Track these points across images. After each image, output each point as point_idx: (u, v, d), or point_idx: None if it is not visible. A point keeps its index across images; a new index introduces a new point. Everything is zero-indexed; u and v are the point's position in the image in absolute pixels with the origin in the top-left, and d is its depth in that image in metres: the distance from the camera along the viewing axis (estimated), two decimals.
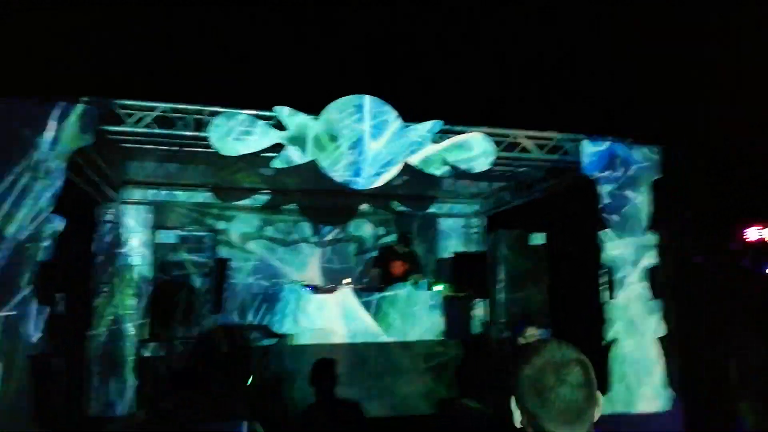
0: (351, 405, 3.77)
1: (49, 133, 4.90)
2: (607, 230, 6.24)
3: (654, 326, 6.08)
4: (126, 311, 7.56)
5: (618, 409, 5.71)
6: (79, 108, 5.06)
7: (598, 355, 5.99)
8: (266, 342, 6.71)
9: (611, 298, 6.14)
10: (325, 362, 3.69)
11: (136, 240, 8.03)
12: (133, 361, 5.98)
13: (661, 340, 6.03)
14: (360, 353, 6.02)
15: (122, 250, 7.96)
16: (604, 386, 5.77)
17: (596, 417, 1.36)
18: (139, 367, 5.63)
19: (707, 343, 5.83)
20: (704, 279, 6.42)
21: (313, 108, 5.72)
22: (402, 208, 9.17)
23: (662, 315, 6.13)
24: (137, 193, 8.24)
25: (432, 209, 9.39)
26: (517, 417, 1.41)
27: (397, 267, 7.40)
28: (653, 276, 6.28)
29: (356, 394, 5.29)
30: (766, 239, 6.05)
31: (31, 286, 4.60)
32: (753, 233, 6.53)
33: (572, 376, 1.35)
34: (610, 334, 6.02)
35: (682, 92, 7.08)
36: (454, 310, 6.95)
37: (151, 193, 8.25)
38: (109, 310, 7.69)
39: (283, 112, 5.59)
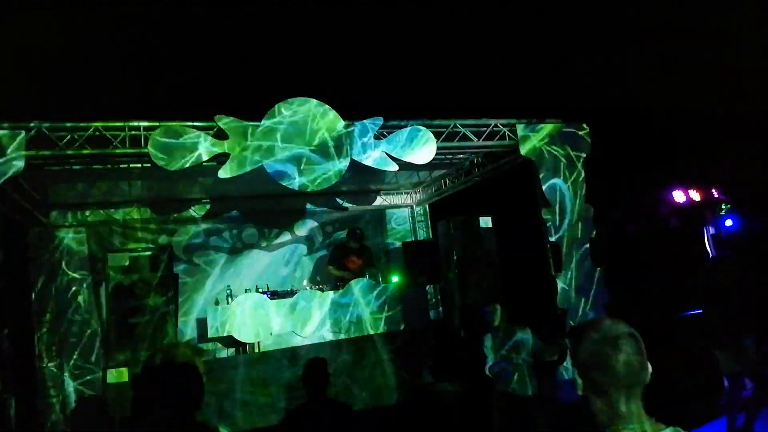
0: (342, 404, 3.83)
1: None
2: (548, 208, 6.56)
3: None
4: (75, 339, 7.25)
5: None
6: (5, 134, 4.78)
7: (552, 325, 6.34)
8: (228, 353, 6.63)
9: (558, 271, 6.48)
10: (318, 362, 3.73)
11: (76, 264, 7.69)
12: (101, 389, 5.73)
13: (606, 306, 6.44)
14: (329, 352, 6.05)
15: (61, 277, 7.61)
16: (563, 354, 6.10)
17: (648, 380, 1.58)
18: (104, 393, 5.41)
19: (649, 305, 6.26)
20: (639, 244, 6.87)
21: (254, 114, 5.66)
22: (347, 205, 9.23)
23: (604, 282, 6.53)
24: (69, 216, 7.87)
25: (376, 202, 9.51)
26: (580, 383, 1.62)
27: (352, 262, 7.46)
28: (593, 246, 6.68)
29: (334, 392, 5.36)
30: (694, 198, 6.53)
31: None
32: (678, 196, 7.04)
33: (627, 346, 1.56)
34: (561, 305, 6.37)
35: (604, 71, 7.50)
36: (411, 298, 7.10)
37: (83, 214, 7.91)
38: (51, 339, 7.35)
39: (225, 120, 5.50)
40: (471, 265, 6.93)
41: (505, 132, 6.73)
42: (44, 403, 6.86)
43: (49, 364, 7.19)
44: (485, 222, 7.15)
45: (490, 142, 6.74)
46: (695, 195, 7.21)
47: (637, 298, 6.65)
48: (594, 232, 6.72)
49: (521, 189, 7.06)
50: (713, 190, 7.40)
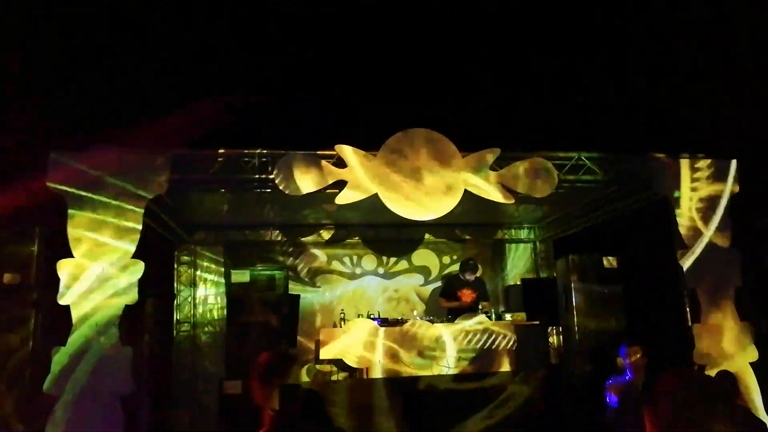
0: None
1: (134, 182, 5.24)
2: (686, 250, 5.93)
3: (745, 350, 5.67)
4: (204, 349, 7.92)
5: None
6: (154, 158, 5.40)
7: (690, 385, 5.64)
8: (340, 376, 6.77)
9: (695, 321, 5.79)
10: (417, 396, 3.67)
11: (211, 280, 8.44)
12: (217, 399, 6.16)
13: (754, 365, 5.61)
14: (433, 386, 5.94)
15: (199, 290, 8.38)
16: None
17: None
18: (221, 405, 5.79)
19: None
20: None
21: (372, 144, 5.84)
22: (466, 236, 9.13)
23: (752, 338, 5.71)
24: (210, 235, 8.66)
25: (497, 236, 9.29)
26: None
27: (466, 296, 7.31)
28: (739, 296, 5.88)
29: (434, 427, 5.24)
30: None
31: (116, 329, 4.88)
32: None
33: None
34: (699, 360, 5.66)
35: (749, 104, 6.72)
36: (527, 339, 6.75)
37: (222, 234, 8.66)
38: (188, 349, 8.07)
39: (344, 150, 5.74)
40: (591, 307, 6.44)
41: (636, 165, 6.24)
42: (176, 412, 7.53)
43: (183, 373, 7.91)
44: (609, 261, 6.63)
45: (617, 177, 6.29)
46: None
47: None
48: (740, 282, 5.93)
49: (654, 228, 6.45)
50: None
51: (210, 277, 8.51)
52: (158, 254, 7.58)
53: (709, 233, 6.00)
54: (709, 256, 5.93)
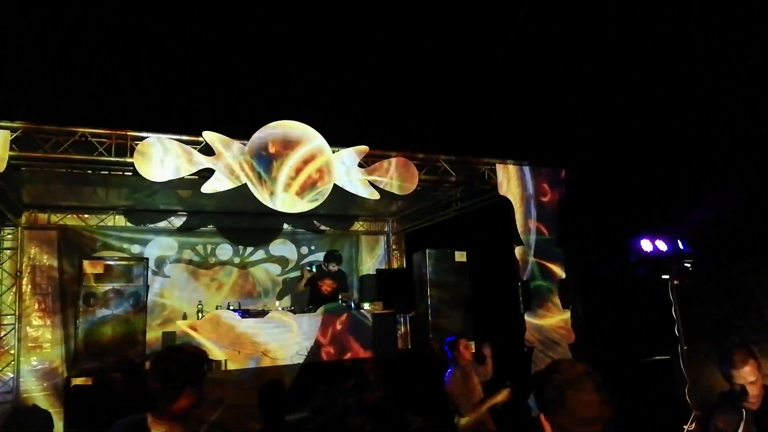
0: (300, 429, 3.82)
1: None
2: (522, 246, 6.74)
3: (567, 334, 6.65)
4: (34, 344, 7.10)
5: None
6: None
7: (520, 362, 6.46)
8: None
9: (526, 309, 6.64)
10: (273, 385, 3.73)
11: (43, 267, 7.56)
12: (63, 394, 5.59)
13: (571, 346, 6.59)
14: (296, 374, 6.03)
15: (27, 279, 7.45)
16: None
17: (608, 418, 1.64)
18: (67, 400, 5.28)
19: (611, 348, 6.44)
20: (606, 289, 7.08)
21: (241, 133, 5.72)
22: (325, 228, 9.29)
23: (571, 323, 6.70)
24: (42, 217, 7.75)
25: (353, 227, 9.60)
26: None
27: (327, 286, 7.47)
28: (562, 287, 6.86)
29: (297, 415, 5.34)
30: (660, 248, 6.77)
31: None
32: (646, 245, 7.28)
33: (587, 385, 1.65)
34: (529, 344, 6.50)
35: (579, 117, 7.79)
36: (382, 327, 7.13)
37: (57, 217, 7.79)
38: (11, 343, 7.16)
39: (213, 137, 5.55)
40: (444, 297, 7.04)
41: (485, 170, 6.92)
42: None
43: (6, 368, 7.03)
44: (460, 256, 7.28)
45: (470, 180, 6.92)
46: (662, 245, 7.47)
47: (603, 341, 6.82)
48: (563, 275, 6.91)
49: (497, 226, 7.22)
50: (679, 242, 7.67)
51: (41, 264, 7.60)
52: None
53: (538, 231, 6.90)
54: (539, 251, 6.83)
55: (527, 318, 6.64)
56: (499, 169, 6.89)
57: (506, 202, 6.92)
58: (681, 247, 7.72)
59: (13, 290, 7.36)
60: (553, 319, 6.69)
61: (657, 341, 7.19)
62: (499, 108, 8.09)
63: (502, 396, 4.60)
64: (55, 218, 7.80)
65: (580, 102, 7.69)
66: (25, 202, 7.45)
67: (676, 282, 7.70)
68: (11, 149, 4.88)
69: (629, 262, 7.42)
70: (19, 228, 7.52)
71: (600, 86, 7.58)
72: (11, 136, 4.87)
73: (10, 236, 7.50)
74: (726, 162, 7.61)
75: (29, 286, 7.47)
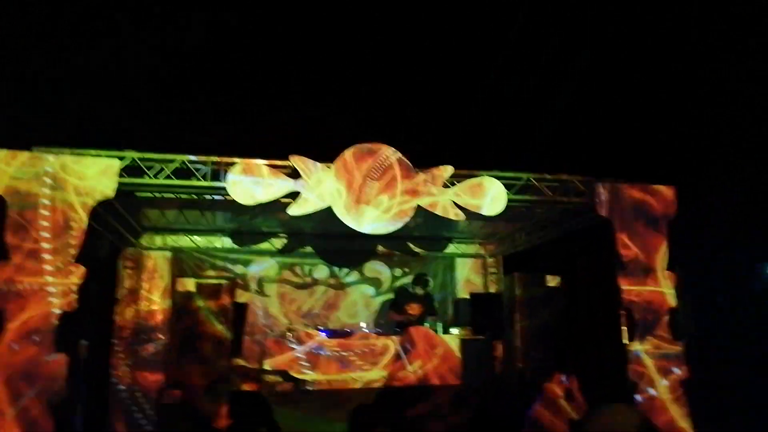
0: None
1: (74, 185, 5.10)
2: (625, 271, 6.19)
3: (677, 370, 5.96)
4: (145, 358, 7.69)
5: None
6: (103, 161, 5.28)
7: (621, 398, 5.87)
8: (285, 387, 6.71)
9: (630, 340, 6.04)
10: (362, 409, 3.69)
11: (157, 286, 8.22)
12: (154, 408, 6.02)
13: (683, 383, 5.90)
14: (379, 398, 5.97)
15: (143, 297, 8.14)
16: None
17: None
18: (159, 414, 5.66)
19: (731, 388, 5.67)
20: (727, 320, 6.29)
21: (327, 157, 5.87)
22: (418, 250, 9.22)
23: (684, 358, 6.00)
24: (158, 240, 8.45)
25: (447, 249, 9.42)
26: None
27: (414, 309, 7.38)
28: (673, 317, 6.18)
29: None
30: None
31: (52, 335, 4.71)
32: None
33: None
34: (633, 377, 5.90)
35: (692, 132, 7.11)
36: (472, 353, 6.87)
37: (170, 239, 8.47)
38: (128, 357, 7.82)
39: (298, 161, 5.74)
40: (533, 323, 6.64)
41: (582, 189, 6.49)
42: (113, 419, 7.28)
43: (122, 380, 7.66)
44: (552, 280, 6.85)
45: (564, 198, 6.52)
46: None
47: (724, 376, 6.04)
48: (676, 303, 6.23)
49: (597, 248, 6.72)
50: None
51: (155, 283, 8.28)
52: (102, 259, 7.36)
53: (646, 256, 6.29)
54: (645, 277, 6.22)
55: (632, 350, 6.04)
56: (599, 187, 6.42)
57: (608, 224, 6.42)
58: None
59: (132, 307, 8.07)
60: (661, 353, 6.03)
61: None
62: (597, 123, 7.61)
63: None
64: (169, 240, 8.48)
65: (688, 117, 7.03)
66: (144, 225, 8.18)
67: None
68: (121, 176, 5.37)
69: (756, 290, 6.58)
70: (138, 249, 8.26)
71: (714, 101, 6.90)
72: (121, 164, 5.36)
73: (130, 257, 8.25)
74: None
75: (146, 303, 8.17)
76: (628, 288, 6.18)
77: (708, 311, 6.61)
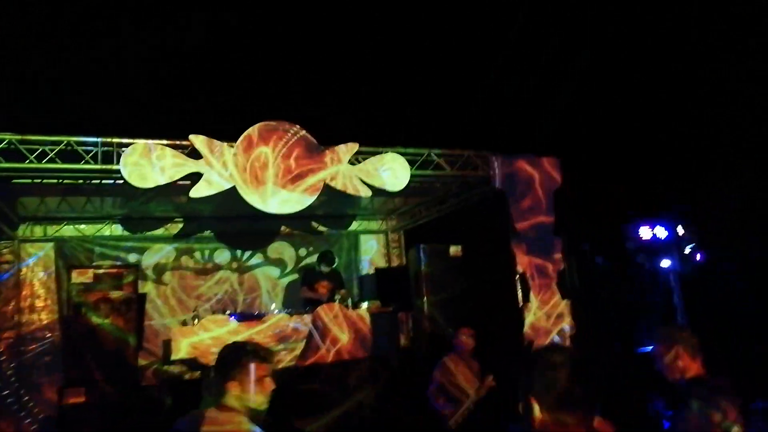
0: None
1: None
2: (517, 238, 6.67)
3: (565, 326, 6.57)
4: (35, 357, 7.10)
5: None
6: None
7: (519, 356, 6.37)
8: (193, 375, 6.52)
9: (525, 301, 6.55)
10: (278, 390, 3.68)
11: (41, 281, 7.56)
12: (56, 409, 5.59)
13: (572, 337, 6.51)
14: (300, 376, 6.01)
15: (25, 292, 7.46)
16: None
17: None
18: (61, 416, 5.27)
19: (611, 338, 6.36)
20: (605, 278, 7.00)
21: (228, 135, 5.69)
22: (322, 228, 9.24)
23: (572, 315, 6.62)
24: (38, 230, 7.75)
25: (351, 227, 9.55)
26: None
27: (322, 287, 7.42)
28: (561, 278, 6.77)
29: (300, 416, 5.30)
30: (659, 236, 6.71)
31: None
32: (645, 232, 7.20)
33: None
34: (528, 336, 6.42)
35: (574, 106, 7.72)
36: (381, 325, 7.07)
37: (52, 229, 7.80)
38: (12, 359, 7.17)
39: (199, 141, 5.52)
40: (440, 292, 6.98)
41: (478, 162, 6.85)
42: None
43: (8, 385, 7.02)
44: (454, 250, 7.22)
45: (463, 172, 6.85)
46: (661, 232, 7.39)
47: (601, 331, 6.74)
48: (563, 265, 6.83)
49: (492, 218, 7.16)
50: (679, 228, 7.58)
51: (38, 277, 7.61)
52: None
53: (536, 224, 6.82)
54: (538, 244, 6.75)
55: (526, 311, 6.56)
56: (493, 161, 6.82)
57: (502, 195, 6.85)
58: (682, 233, 7.64)
59: (12, 304, 7.37)
60: (552, 312, 6.61)
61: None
62: (490, 100, 8.03)
63: (487, 383, 4.65)
64: (51, 230, 7.80)
65: (574, 93, 7.63)
66: (21, 215, 7.45)
67: (677, 269, 7.64)
68: None
69: (628, 249, 7.37)
70: (16, 241, 7.53)
71: (595, 77, 7.52)
72: None
73: (6, 250, 7.50)
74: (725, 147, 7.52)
75: (29, 300, 7.49)
76: (521, 254, 6.68)
77: (589, 271, 7.30)
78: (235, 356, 2.35)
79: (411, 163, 6.43)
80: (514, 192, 6.81)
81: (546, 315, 6.52)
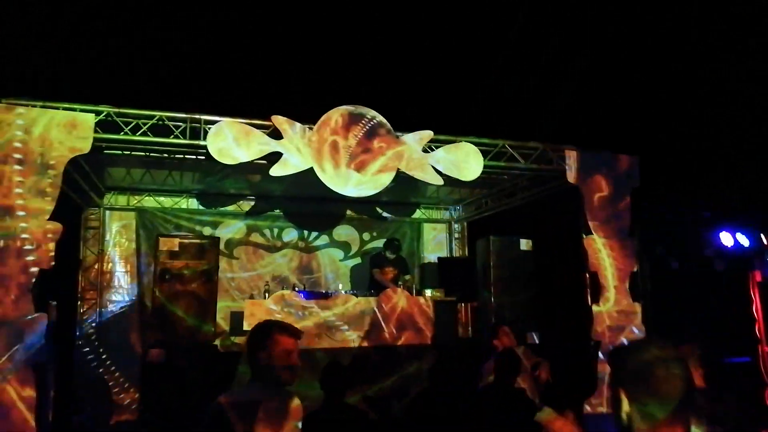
0: (359, 410, 3.86)
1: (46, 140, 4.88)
2: (591, 236, 6.50)
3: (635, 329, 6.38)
4: (114, 318, 7.56)
5: (606, 408, 5.97)
6: (78, 116, 5.05)
7: (586, 356, 6.26)
8: None
9: (594, 302, 6.40)
10: (337, 367, 3.78)
11: (121, 246, 8.01)
12: (138, 367, 5.95)
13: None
14: (358, 357, 6.13)
15: (108, 257, 7.93)
16: (592, 385, 6.02)
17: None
18: (144, 373, 5.60)
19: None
20: (680, 283, 6.74)
21: (308, 117, 5.82)
22: (386, 215, 9.33)
23: (641, 318, 6.42)
24: (121, 199, 8.19)
25: (415, 215, 9.59)
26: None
27: (388, 273, 7.52)
28: (633, 280, 6.57)
29: (356, 398, 5.43)
30: (741, 243, 6.40)
31: (30, 294, 4.57)
32: (726, 239, 6.88)
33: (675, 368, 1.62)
34: (595, 337, 6.27)
35: (658, 105, 7.43)
36: (442, 314, 7.10)
37: (134, 200, 8.22)
38: (93, 318, 7.65)
39: (280, 121, 5.67)
40: (507, 286, 6.91)
41: (552, 156, 6.72)
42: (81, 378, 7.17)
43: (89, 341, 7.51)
44: (525, 244, 7.12)
45: (537, 166, 6.73)
46: (743, 240, 7.04)
47: (672, 338, 6.48)
48: (636, 267, 6.62)
49: (565, 214, 7.01)
50: (762, 236, 7.21)
51: (120, 243, 8.07)
52: (65, 217, 7.08)
53: (611, 223, 6.63)
54: (611, 244, 6.56)
55: (595, 310, 6.40)
56: (569, 155, 6.67)
57: (575, 190, 6.70)
58: (765, 241, 7.25)
59: (95, 267, 7.85)
60: (622, 314, 6.43)
61: (736, 341, 6.79)
62: (569, 94, 7.84)
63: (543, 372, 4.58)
64: (133, 200, 8.24)
65: (655, 90, 7.34)
66: (107, 185, 7.90)
67: (758, 278, 7.26)
68: (95, 132, 5.16)
69: (706, 256, 7.06)
70: (101, 209, 7.99)
71: (673, 76, 7.21)
72: (95, 119, 5.15)
73: (93, 216, 7.98)
74: None
75: (110, 264, 7.97)
76: (593, 253, 6.52)
77: (663, 276, 7.04)
78: (266, 328, 2.54)
79: (483, 154, 6.38)
80: (589, 188, 6.63)
81: (616, 316, 6.35)
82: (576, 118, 7.76)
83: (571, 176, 6.63)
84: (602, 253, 6.55)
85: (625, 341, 6.37)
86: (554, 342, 5.57)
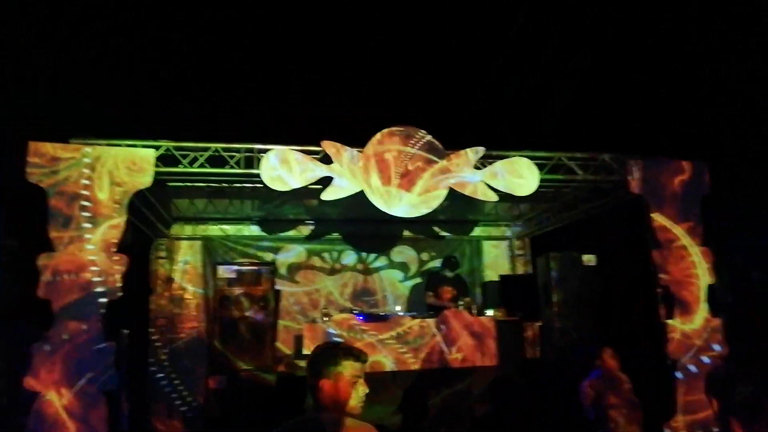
0: None
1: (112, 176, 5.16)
2: (660, 249, 6.13)
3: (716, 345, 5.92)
4: (181, 345, 7.82)
5: None
6: (139, 151, 5.32)
7: (662, 375, 5.87)
8: None
9: (670, 317, 5.99)
10: (418, 392, 3.73)
11: (189, 275, 8.33)
12: (202, 394, 6.13)
13: (724, 360, 5.86)
14: (420, 380, 6.03)
15: (176, 285, 8.25)
16: (671, 407, 5.63)
17: None
18: (208, 400, 5.76)
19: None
20: (763, 294, 6.22)
21: (358, 141, 5.86)
22: (444, 233, 9.23)
23: (724, 334, 5.95)
24: (187, 229, 8.54)
25: (473, 233, 9.42)
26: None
27: (446, 292, 7.39)
28: (711, 293, 6.12)
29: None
30: None
31: (100, 324, 4.80)
32: None
33: None
34: (672, 355, 5.87)
35: (726, 107, 7.00)
36: (506, 334, 6.88)
37: (200, 229, 8.55)
38: (164, 345, 7.95)
39: (330, 146, 5.74)
40: (572, 303, 6.62)
41: (613, 166, 6.42)
42: (153, 403, 7.44)
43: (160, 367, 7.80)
44: (588, 259, 6.81)
45: (597, 177, 6.46)
46: None
47: (761, 354, 5.99)
48: (713, 279, 6.17)
49: (630, 226, 6.66)
50: None
51: (187, 272, 8.38)
52: (135, 249, 7.45)
53: (681, 233, 6.22)
54: (681, 254, 6.15)
55: (671, 326, 5.98)
56: (631, 165, 6.34)
57: (639, 201, 6.35)
58: None
59: (166, 294, 8.19)
60: (701, 329, 5.99)
61: None
62: (629, 101, 7.51)
63: None
64: (199, 230, 8.57)
65: (715, 94, 6.93)
66: (174, 215, 8.26)
67: None
68: (156, 166, 5.42)
69: None
70: (169, 239, 8.36)
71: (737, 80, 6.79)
72: (156, 153, 5.41)
73: (162, 246, 8.36)
74: None
75: (179, 292, 8.29)
76: (664, 265, 6.13)
77: (744, 287, 6.53)
78: (329, 354, 2.28)
79: (540, 167, 6.18)
80: (655, 198, 6.27)
81: (693, 333, 5.92)
82: (635, 124, 7.41)
83: (634, 186, 6.29)
84: (677, 265, 6.16)
85: (707, 360, 5.93)
86: (628, 362, 5.22)
